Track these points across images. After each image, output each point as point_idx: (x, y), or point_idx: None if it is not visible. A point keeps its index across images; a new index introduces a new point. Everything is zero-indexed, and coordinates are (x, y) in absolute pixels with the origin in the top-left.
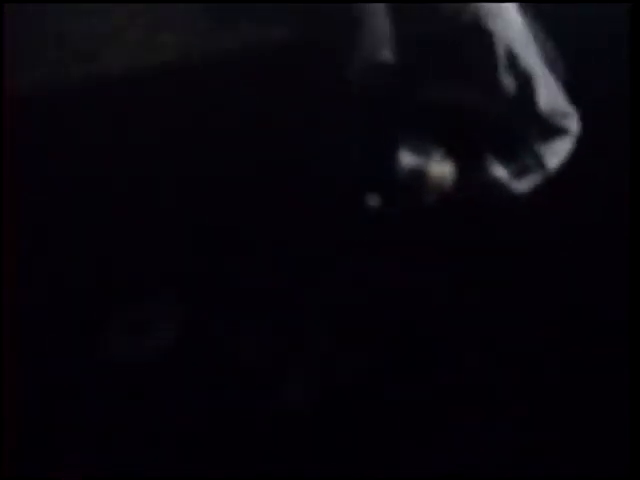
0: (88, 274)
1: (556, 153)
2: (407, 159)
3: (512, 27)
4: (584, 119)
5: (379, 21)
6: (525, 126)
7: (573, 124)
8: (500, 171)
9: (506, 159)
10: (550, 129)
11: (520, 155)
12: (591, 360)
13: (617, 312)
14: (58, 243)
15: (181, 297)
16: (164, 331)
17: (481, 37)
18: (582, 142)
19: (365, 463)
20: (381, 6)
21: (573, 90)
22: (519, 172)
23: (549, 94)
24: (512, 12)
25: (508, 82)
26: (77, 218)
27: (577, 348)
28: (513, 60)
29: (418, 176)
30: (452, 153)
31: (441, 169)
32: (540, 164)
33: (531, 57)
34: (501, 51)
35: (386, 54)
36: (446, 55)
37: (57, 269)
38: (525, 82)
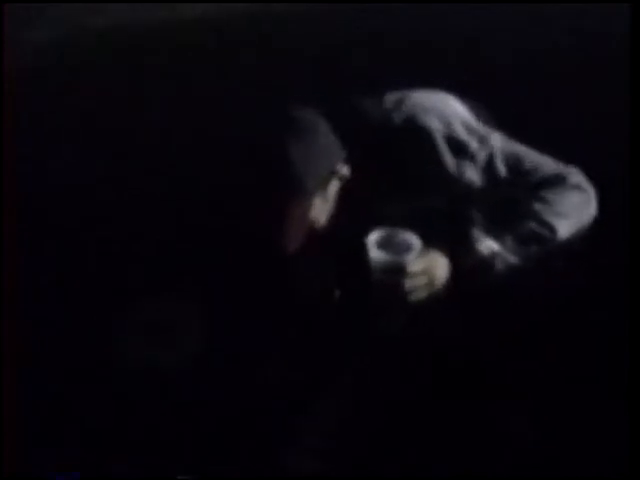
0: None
1: (561, 213)
2: (379, 254)
3: (449, 117)
4: None
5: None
6: (506, 194)
7: (572, 178)
8: (492, 245)
9: (498, 230)
10: (536, 190)
11: (517, 223)
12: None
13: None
14: (65, 223)
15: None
16: (184, 336)
17: (417, 134)
18: None
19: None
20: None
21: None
22: (520, 240)
23: (518, 158)
24: (447, 102)
25: (462, 166)
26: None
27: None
28: (460, 146)
29: (394, 271)
30: (434, 241)
31: (422, 262)
32: (544, 225)
33: (483, 137)
34: (440, 142)
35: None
36: (389, 163)
37: (62, 259)
38: (484, 159)
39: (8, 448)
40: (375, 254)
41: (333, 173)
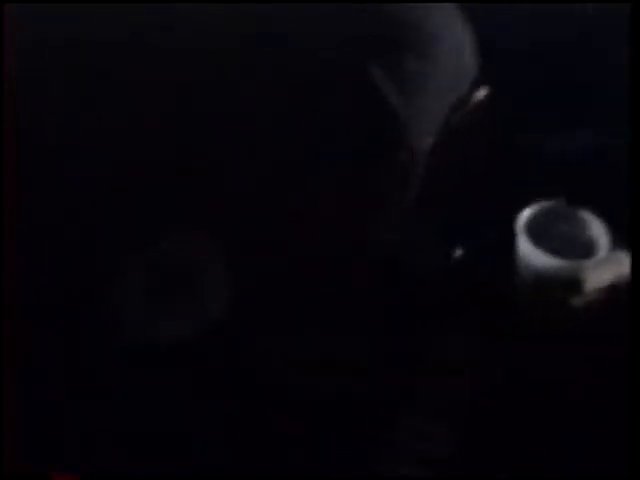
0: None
1: None
2: (538, 256)
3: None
4: None
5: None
6: None
7: None
8: None
9: None
10: None
11: None
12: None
13: None
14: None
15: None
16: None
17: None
18: None
19: None
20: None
21: None
22: None
23: None
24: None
25: None
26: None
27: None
28: None
29: (561, 285)
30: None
31: (608, 270)
32: None
33: None
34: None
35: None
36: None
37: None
38: None
39: (8, 448)
40: (530, 253)
41: (463, 103)
